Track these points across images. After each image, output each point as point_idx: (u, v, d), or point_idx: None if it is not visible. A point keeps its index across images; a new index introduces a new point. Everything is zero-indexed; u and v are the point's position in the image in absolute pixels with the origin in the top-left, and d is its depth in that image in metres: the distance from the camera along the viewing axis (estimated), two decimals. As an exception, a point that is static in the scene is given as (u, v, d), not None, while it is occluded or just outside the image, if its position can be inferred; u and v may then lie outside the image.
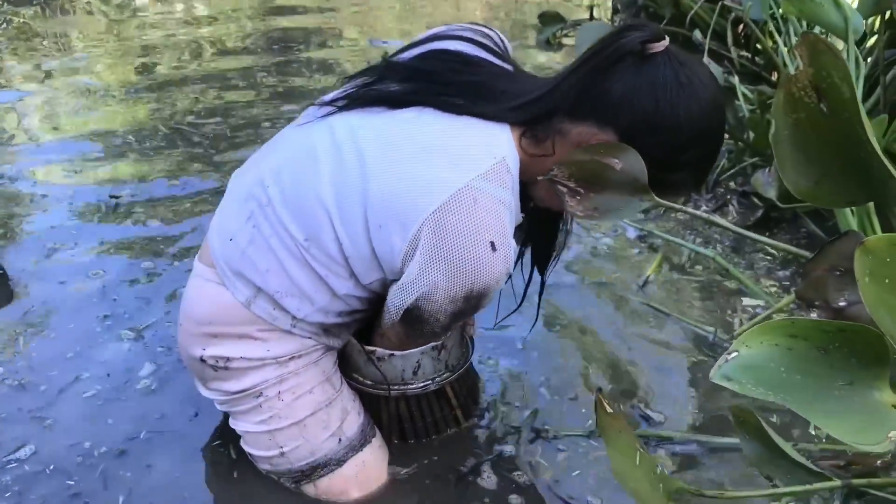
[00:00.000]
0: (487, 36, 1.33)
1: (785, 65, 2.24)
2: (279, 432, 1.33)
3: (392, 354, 1.36)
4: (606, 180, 1.22)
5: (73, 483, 1.40)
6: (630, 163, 1.21)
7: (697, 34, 3.31)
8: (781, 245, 1.28)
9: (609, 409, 1.01)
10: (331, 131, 1.22)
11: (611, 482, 1.41)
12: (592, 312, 1.92)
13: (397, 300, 1.19)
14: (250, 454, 1.40)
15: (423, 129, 1.17)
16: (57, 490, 1.39)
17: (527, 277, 1.52)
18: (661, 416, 1.59)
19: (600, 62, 1.15)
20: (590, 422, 1.56)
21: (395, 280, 1.20)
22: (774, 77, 3.12)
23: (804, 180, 1.06)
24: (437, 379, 1.43)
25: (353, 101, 1.24)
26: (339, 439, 1.36)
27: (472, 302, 1.18)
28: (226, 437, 1.49)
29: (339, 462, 1.36)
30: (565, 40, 4.46)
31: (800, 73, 0.99)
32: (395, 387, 1.41)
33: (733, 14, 3.29)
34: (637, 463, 1.01)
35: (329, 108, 1.26)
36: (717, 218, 1.40)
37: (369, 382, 1.42)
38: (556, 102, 1.18)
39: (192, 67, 4.06)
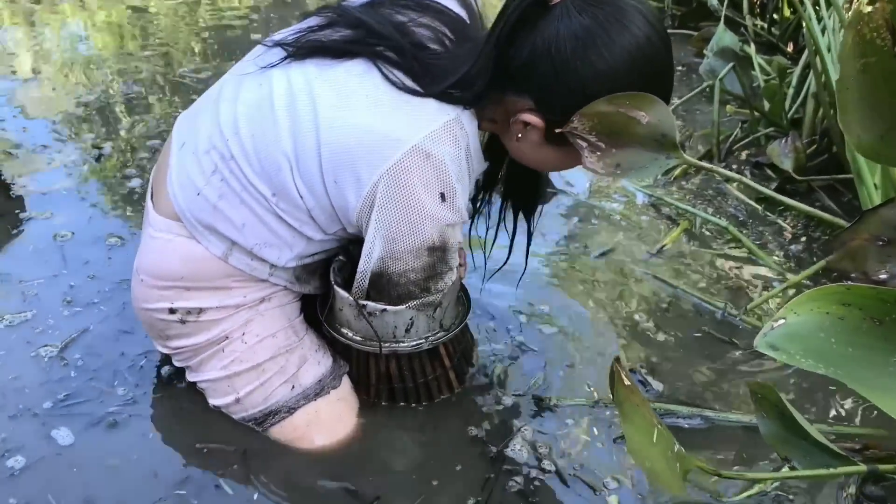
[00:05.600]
0: None
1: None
2: (237, 377, 1.30)
3: (384, 309, 1.27)
4: (631, 135, 1.12)
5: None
6: (658, 116, 1.11)
7: (714, 1, 3.21)
8: (814, 211, 1.18)
9: (627, 381, 0.91)
10: (288, 83, 1.17)
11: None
12: (596, 281, 1.82)
13: (363, 264, 1.19)
14: (213, 406, 1.36)
15: (376, 83, 1.14)
16: None
17: (513, 233, 1.47)
18: (661, 386, 1.50)
19: (502, 28, 1.08)
20: (592, 391, 1.48)
21: (354, 231, 1.21)
22: (790, 48, 3.02)
23: (868, 134, 0.94)
24: (431, 338, 1.33)
25: (298, 50, 1.19)
26: (293, 386, 1.32)
27: (437, 253, 1.19)
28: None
29: (290, 410, 1.32)
30: None
31: (875, 10, 0.87)
32: (386, 344, 1.31)
33: (750, -18, 3.19)
34: (654, 440, 0.92)
35: (278, 53, 1.20)
36: (747, 180, 1.30)
37: (359, 338, 1.32)
38: (478, 82, 1.12)
39: (191, 15, 3.91)
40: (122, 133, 2.48)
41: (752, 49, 2.56)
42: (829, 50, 1.83)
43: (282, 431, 1.32)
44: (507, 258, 1.52)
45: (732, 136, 2.43)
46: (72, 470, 1.27)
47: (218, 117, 1.20)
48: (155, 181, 1.31)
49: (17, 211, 2.00)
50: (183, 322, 1.27)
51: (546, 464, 1.31)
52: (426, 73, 1.14)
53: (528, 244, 1.50)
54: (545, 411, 1.43)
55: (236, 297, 1.27)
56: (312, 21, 1.23)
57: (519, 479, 1.29)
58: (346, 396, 1.37)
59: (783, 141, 2.14)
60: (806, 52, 2.43)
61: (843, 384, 1.47)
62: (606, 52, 1.03)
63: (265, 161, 1.16)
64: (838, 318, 0.78)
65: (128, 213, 2.02)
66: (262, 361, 1.29)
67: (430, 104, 1.13)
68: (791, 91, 2.41)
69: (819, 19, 2.00)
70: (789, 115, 2.33)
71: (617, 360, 0.91)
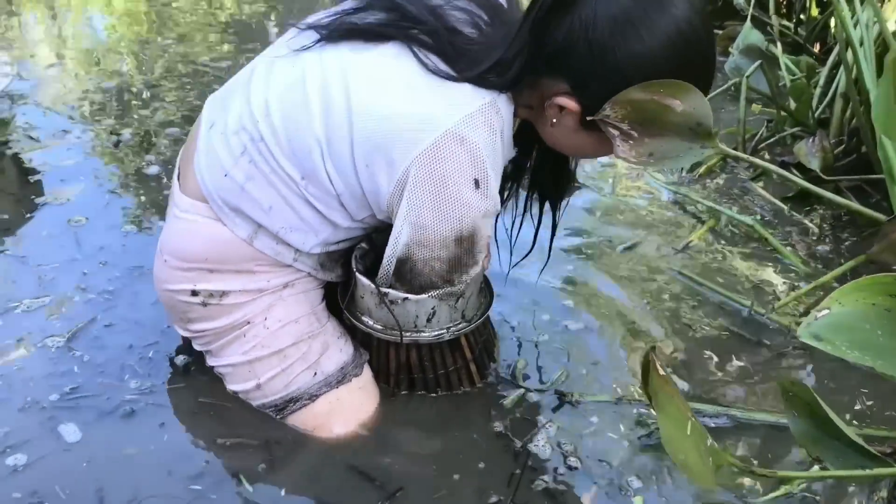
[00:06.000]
0: None
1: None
2: (259, 362, 1.28)
3: (406, 298, 1.25)
4: (665, 123, 1.10)
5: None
6: (693, 104, 1.09)
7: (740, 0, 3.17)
8: (853, 204, 1.15)
9: (661, 371, 0.89)
10: (321, 66, 1.14)
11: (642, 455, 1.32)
12: (620, 277, 1.79)
13: (390, 250, 1.16)
14: (231, 391, 1.35)
15: (411, 66, 1.11)
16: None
17: (538, 224, 1.46)
18: (686, 386, 1.47)
19: (537, 13, 1.06)
20: (615, 387, 1.45)
21: (384, 217, 1.18)
22: (817, 48, 2.97)
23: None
24: (452, 328, 1.31)
25: (332, 33, 1.16)
26: (315, 373, 1.29)
27: (465, 245, 1.16)
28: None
29: (312, 397, 1.30)
30: None
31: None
32: (407, 333, 1.28)
33: (777, -19, 3.15)
34: (688, 432, 0.89)
35: (311, 36, 1.18)
36: (788, 173, 1.27)
37: (379, 327, 1.30)
38: (516, 66, 1.10)
39: (210, 3, 3.89)
40: (142, 120, 2.47)
41: (778, 49, 2.53)
42: (861, 44, 1.79)
43: (302, 419, 1.30)
44: (531, 250, 1.50)
45: (758, 135, 2.39)
46: (81, 464, 1.25)
47: (249, 99, 1.18)
48: (182, 162, 1.29)
49: (33, 196, 1.99)
50: (205, 305, 1.25)
51: (571, 461, 1.29)
52: (461, 58, 1.12)
53: (552, 236, 1.48)
54: (568, 407, 1.40)
55: (260, 281, 1.25)
56: (347, 4, 1.21)
57: (545, 476, 1.26)
58: (367, 385, 1.35)
59: (810, 140, 2.10)
60: (834, 52, 2.39)
61: (872, 387, 1.45)
62: (645, 34, 1.01)
63: (295, 144, 1.14)
64: (885, 309, 0.76)
65: (144, 200, 2.01)
66: (285, 347, 1.27)
67: (466, 88, 1.11)
68: (818, 90, 2.36)
69: (852, 13, 1.96)
70: (816, 115, 2.29)
71: (652, 348, 0.88)
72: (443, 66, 1.11)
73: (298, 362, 1.28)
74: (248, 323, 1.27)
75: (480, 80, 1.11)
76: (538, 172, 1.38)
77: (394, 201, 1.13)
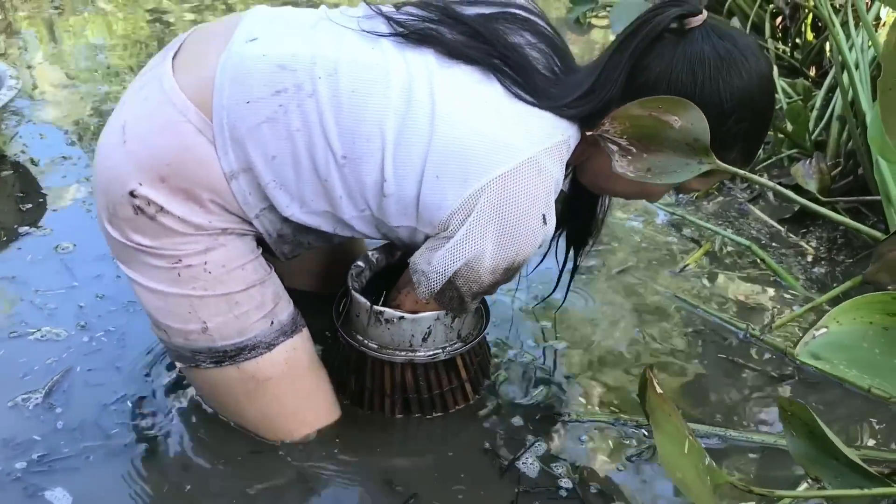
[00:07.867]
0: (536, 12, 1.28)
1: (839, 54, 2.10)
2: (202, 303, 1.18)
3: (402, 317, 1.24)
4: (663, 139, 1.11)
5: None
6: (691, 120, 1.09)
7: (736, 23, 3.18)
8: (852, 223, 1.14)
9: (659, 390, 0.88)
10: (406, 63, 1.13)
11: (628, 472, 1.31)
12: (614, 300, 1.78)
13: (442, 265, 1.13)
14: (158, 324, 1.23)
15: (497, 91, 1.13)
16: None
17: (561, 261, 1.50)
18: (680, 408, 1.45)
19: (639, 43, 1.12)
20: (597, 407, 1.44)
21: (425, 232, 1.16)
22: (813, 72, 2.99)
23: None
24: (448, 348, 1.30)
25: (412, 33, 1.16)
26: (272, 322, 1.24)
27: (509, 274, 1.17)
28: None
29: (269, 346, 1.24)
30: (595, 21, 4.28)
31: (918, 8, 0.84)
32: (402, 352, 1.28)
33: (772, 6, 3.17)
34: (685, 451, 0.88)
35: (384, 25, 1.17)
36: (788, 192, 1.27)
37: (374, 346, 1.29)
38: (605, 94, 1.14)
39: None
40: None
41: (774, 72, 2.54)
42: (856, 67, 1.80)
43: (257, 367, 1.23)
44: (554, 289, 1.56)
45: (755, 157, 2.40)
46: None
47: (312, 46, 1.12)
48: (190, 45, 1.19)
49: (15, 225, 1.94)
50: (136, 212, 1.13)
51: (563, 482, 1.28)
52: (543, 93, 1.14)
53: (572, 276, 1.53)
54: (559, 427, 1.40)
55: (202, 217, 1.15)
56: (415, 10, 1.19)
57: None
58: (311, 339, 1.33)
59: (807, 162, 2.11)
60: (830, 74, 2.41)
61: (869, 410, 1.44)
62: (745, 73, 1.11)
63: (359, 124, 1.10)
64: (882, 327, 0.75)
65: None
66: (235, 292, 1.19)
67: (548, 119, 1.13)
68: (815, 113, 2.37)
69: (847, 36, 1.97)
70: (813, 137, 2.29)
71: (650, 367, 0.88)
72: (527, 97, 1.13)
73: (254, 310, 1.21)
74: (180, 261, 1.16)
75: (564, 110, 1.14)
76: (569, 213, 1.42)
77: (454, 220, 1.10)
